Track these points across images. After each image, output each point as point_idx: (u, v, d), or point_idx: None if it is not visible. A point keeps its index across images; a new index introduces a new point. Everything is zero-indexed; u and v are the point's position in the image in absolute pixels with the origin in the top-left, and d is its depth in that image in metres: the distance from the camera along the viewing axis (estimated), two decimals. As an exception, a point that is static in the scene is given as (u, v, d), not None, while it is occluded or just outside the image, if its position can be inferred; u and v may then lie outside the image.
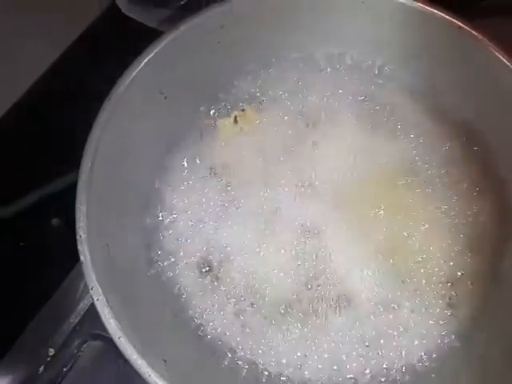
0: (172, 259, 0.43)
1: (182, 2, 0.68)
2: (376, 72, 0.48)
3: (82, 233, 0.37)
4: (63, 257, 0.51)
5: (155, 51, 0.42)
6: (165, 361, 0.35)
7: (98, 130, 0.40)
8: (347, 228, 0.44)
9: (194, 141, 0.46)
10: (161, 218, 0.44)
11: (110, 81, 0.58)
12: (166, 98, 0.44)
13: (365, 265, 0.43)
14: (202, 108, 0.47)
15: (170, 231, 0.44)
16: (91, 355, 0.47)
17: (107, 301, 0.35)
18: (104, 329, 0.48)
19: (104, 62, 0.62)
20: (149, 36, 0.63)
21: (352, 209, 0.44)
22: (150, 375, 0.34)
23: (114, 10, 0.66)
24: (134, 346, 0.34)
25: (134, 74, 0.41)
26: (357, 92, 0.48)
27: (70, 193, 0.54)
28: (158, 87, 0.43)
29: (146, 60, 0.42)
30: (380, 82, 0.48)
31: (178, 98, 0.45)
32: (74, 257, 0.50)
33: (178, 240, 0.44)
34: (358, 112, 0.47)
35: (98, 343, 0.48)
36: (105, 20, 0.66)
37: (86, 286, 0.49)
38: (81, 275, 0.49)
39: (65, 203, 0.54)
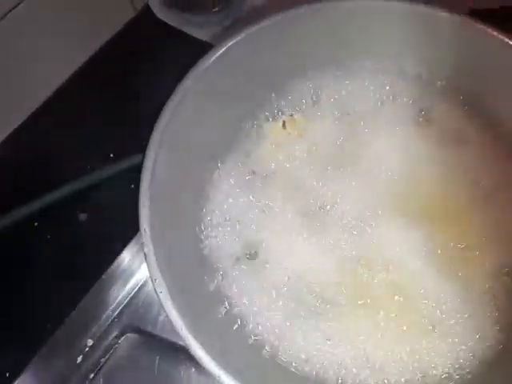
0: (220, 256, 0.45)
1: (215, 10, 0.70)
2: (428, 84, 0.49)
3: (145, 226, 0.38)
4: (97, 250, 0.53)
5: (216, 55, 0.44)
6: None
7: (159, 130, 0.41)
8: (398, 225, 0.45)
9: (243, 143, 0.48)
10: (209, 218, 0.46)
11: (142, 82, 0.60)
12: (220, 101, 0.46)
13: (414, 257, 0.44)
14: (252, 112, 0.49)
15: (219, 229, 0.46)
16: (128, 347, 0.49)
17: (170, 293, 0.37)
18: (141, 322, 0.50)
19: (135, 64, 0.63)
20: (182, 41, 0.66)
21: (397, 212, 0.46)
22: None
23: (147, 12, 0.68)
24: (195, 337, 0.36)
25: (195, 76, 0.43)
26: (406, 102, 0.49)
27: (95, 189, 0.56)
28: (215, 91, 0.45)
29: (207, 63, 0.43)
30: (432, 94, 0.49)
31: (231, 102, 0.46)
32: (108, 251, 0.52)
33: (224, 236, 0.45)
34: (406, 121, 0.49)
35: (135, 336, 0.49)
36: (138, 22, 0.67)
37: (124, 280, 0.51)
38: (120, 269, 0.51)
39: (90, 199, 0.56)
